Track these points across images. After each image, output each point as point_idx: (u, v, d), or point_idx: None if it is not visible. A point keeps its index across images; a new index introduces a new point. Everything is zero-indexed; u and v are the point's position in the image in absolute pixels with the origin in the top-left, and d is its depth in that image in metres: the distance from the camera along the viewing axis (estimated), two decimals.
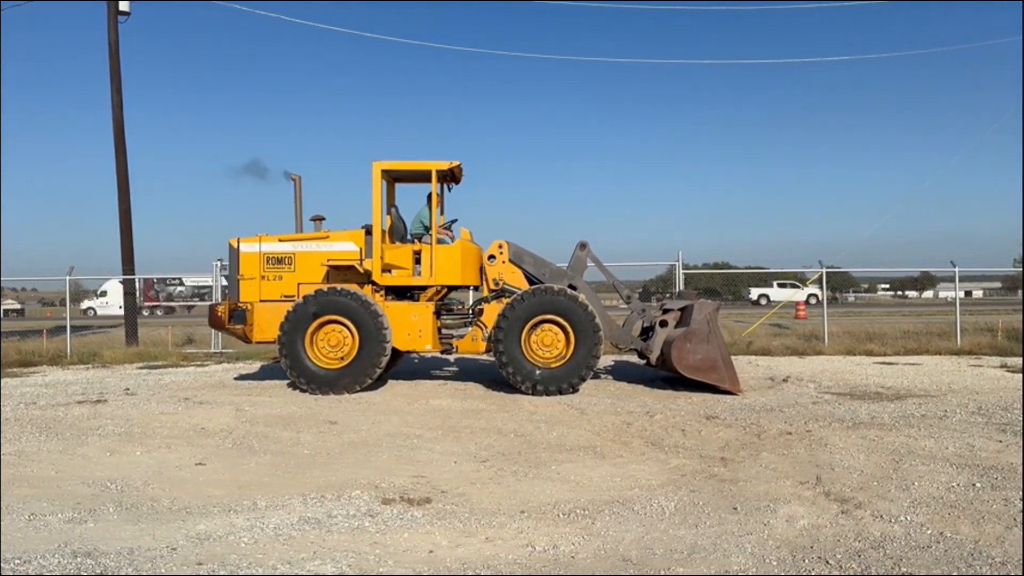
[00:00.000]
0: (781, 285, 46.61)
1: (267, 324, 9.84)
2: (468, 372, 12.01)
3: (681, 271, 15.95)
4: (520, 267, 10.35)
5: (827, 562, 3.73)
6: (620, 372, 11.86)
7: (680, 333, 9.65)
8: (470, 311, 10.47)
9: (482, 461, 6.07)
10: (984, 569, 3.62)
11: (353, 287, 9.70)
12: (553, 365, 9.50)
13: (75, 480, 5.47)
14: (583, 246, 10.66)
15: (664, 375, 11.02)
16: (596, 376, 11.02)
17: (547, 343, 9.56)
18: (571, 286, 10.26)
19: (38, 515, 4.56)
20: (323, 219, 10.41)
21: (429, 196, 10.46)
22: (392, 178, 10.75)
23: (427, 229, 10.25)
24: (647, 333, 10.58)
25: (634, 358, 13.83)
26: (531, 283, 10.40)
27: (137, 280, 18.07)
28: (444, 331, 10.26)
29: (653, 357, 10.17)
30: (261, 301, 9.96)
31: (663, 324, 10.18)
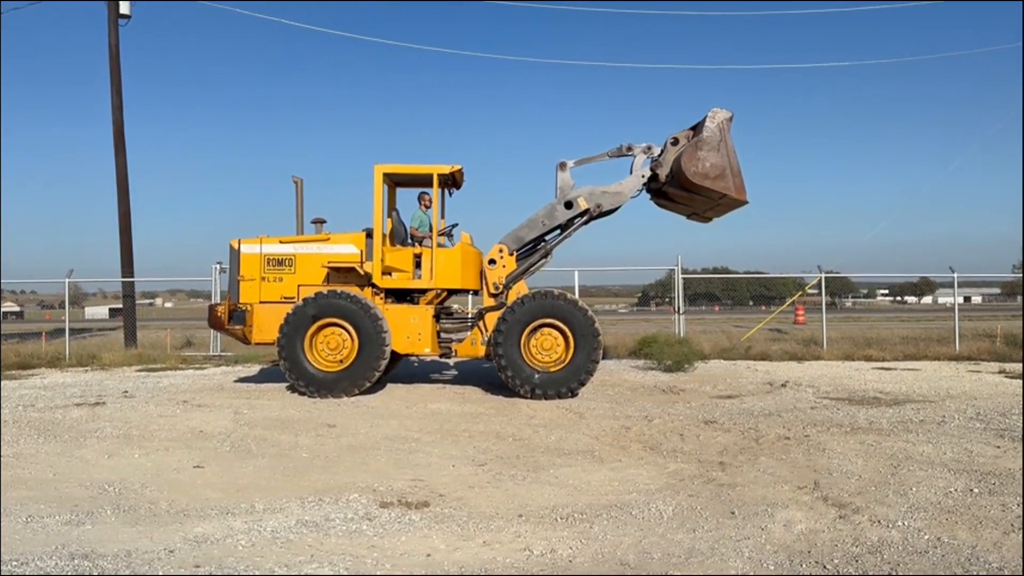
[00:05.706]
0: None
1: (267, 325, 9.85)
2: (467, 376, 12.01)
3: (680, 276, 15.98)
4: (524, 248, 10.43)
5: (824, 567, 3.74)
6: (621, 376, 11.86)
7: (691, 142, 9.61)
8: (470, 315, 10.47)
9: (480, 465, 6.08)
10: (981, 574, 3.62)
11: (353, 290, 9.71)
12: (552, 369, 9.50)
13: (73, 482, 5.47)
14: (562, 166, 10.55)
15: (664, 385, 11.02)
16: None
17: (546, 347, 9.57)
18: (567, 203, 10.27)
19: (36, 517, 4.56)
20: (324, 221, 10.42)
21: (419, 196, 10.49)
22: (393, 182, 10.77)
23: (419, 229, 10.29)
24: (654, 172, 10.37)
25: (634, 358, 13.80)
26: (532, 248, 10.51)
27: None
28: (443, 335, 10.27)
29: (663, 172, 10.09)
30: (261, 302, 9.97)
31: (675, 142, 10.14)
